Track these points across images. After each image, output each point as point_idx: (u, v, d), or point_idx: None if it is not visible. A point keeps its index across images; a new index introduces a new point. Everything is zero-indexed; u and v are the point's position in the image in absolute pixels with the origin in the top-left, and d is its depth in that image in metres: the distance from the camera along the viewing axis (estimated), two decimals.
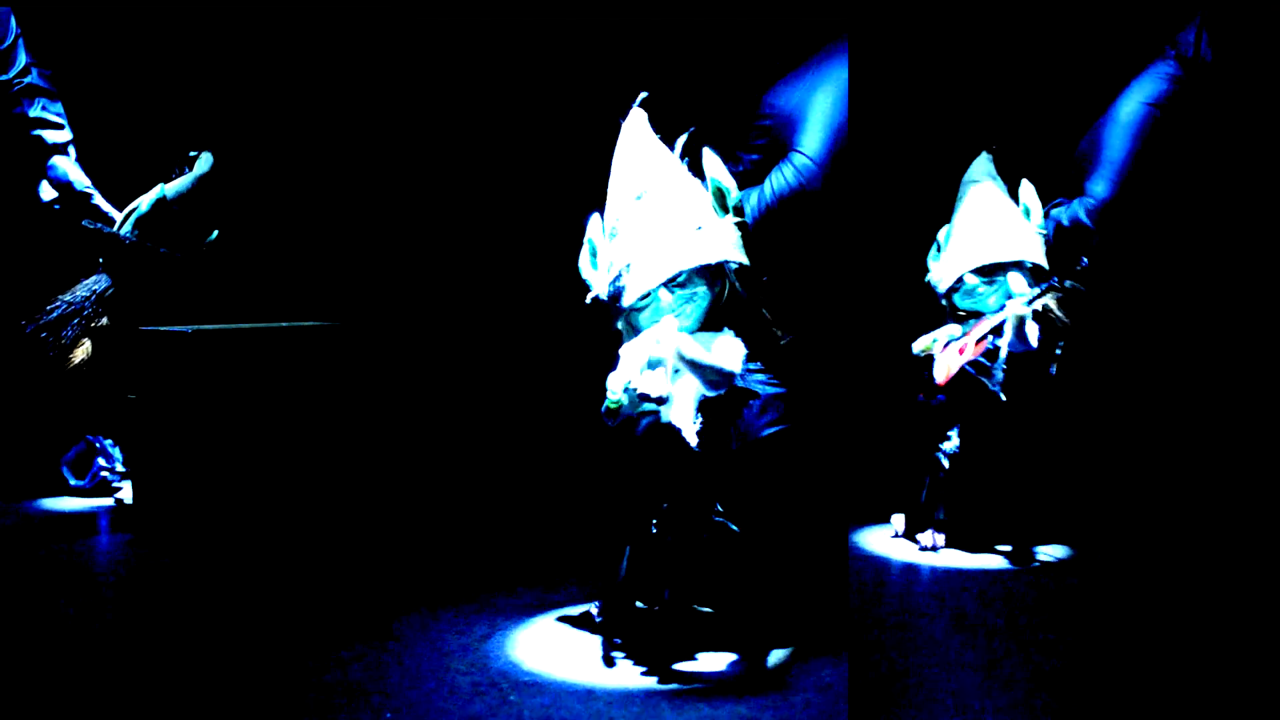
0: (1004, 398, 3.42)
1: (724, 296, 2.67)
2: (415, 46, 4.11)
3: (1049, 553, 3.46)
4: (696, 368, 2.55)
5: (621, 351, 2.61)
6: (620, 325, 2.69)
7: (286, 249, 4.20)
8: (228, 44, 4.11)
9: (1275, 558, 3.27)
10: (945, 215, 3.62)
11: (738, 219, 2.66)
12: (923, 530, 3.51)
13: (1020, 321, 3.37)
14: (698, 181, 2.69)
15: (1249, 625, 2.85)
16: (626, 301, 2.62)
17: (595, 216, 2.74)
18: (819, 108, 3.26)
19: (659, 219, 2.63)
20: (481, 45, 4.06)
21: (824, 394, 3.30)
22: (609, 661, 2.57)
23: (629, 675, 2.52)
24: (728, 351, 2.60)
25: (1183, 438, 3.75)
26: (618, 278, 2.64)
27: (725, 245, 2.61)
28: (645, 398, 2.51)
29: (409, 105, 4.15)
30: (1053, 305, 3.40)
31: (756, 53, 3.42)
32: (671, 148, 2.77)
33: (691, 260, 2.59)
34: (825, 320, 3.32)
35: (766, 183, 3.27)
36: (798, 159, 3.25)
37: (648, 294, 2.60)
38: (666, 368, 2.54)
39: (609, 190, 2.74)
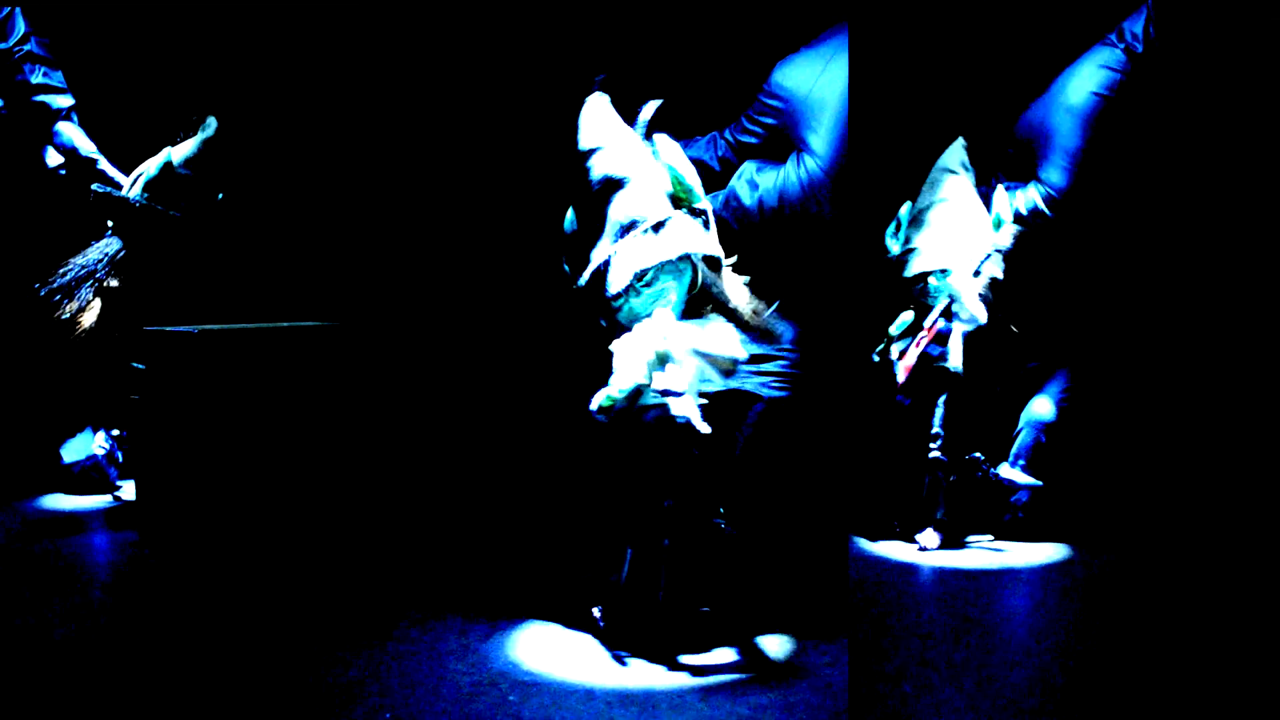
0: (960, 371, 3.48)
1: (698, 284, 2.71)
2: (414, 44, 4.10)
3: (1050, 553, 3.47)
4: (708, 359, 2.58)
5: (615, 348, 2.62)
6: (603, 320, 2.71)
7: (286, 248, 4.19)
8: (230, 20, 4.09)
9: (1275, 558, 3.27)
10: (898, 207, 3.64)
11: (699, 207, 2.67)
12: (921, 530, 3.52)
13: (956, 296, 3.42)
14: (660, 166, 2.70)
15: (1249, 624, 2.85)
16: (612, 290, 2.64)
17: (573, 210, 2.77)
18: (832, 106, 3.23)
19: (626, 213, 2.65)
20: (481, 39, 4.06)
21: (825, 395, 3.30)
22: (620, 661, 2.58)
23: (629, 675, 2.52)
24: (728, 338, 2.63)
25: (1183, 435, 3.75)
26: (604, 267, 2.66)
27: (684, 239, 2.63)
28: (668, 393, 2.54)
29: (409, 104, 4.15)
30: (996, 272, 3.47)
31: (766, 22, 3.40)
32: (633, 124, 2.79)
33: (650, 259, 2.61)
34: (823, 321, 3.32)
35: (774, 179, 3.24)
36: (810, 164, 3.22)
37: (620, 291, 2.62)
38: (680, 361, 2.56)
39: (585, 180, 2.75)
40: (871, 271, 3.76)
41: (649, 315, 2.64)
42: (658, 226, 2.62)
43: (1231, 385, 3.71)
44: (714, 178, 3.38)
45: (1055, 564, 3.38)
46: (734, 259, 2.77)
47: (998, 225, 3.52)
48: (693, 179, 2.69)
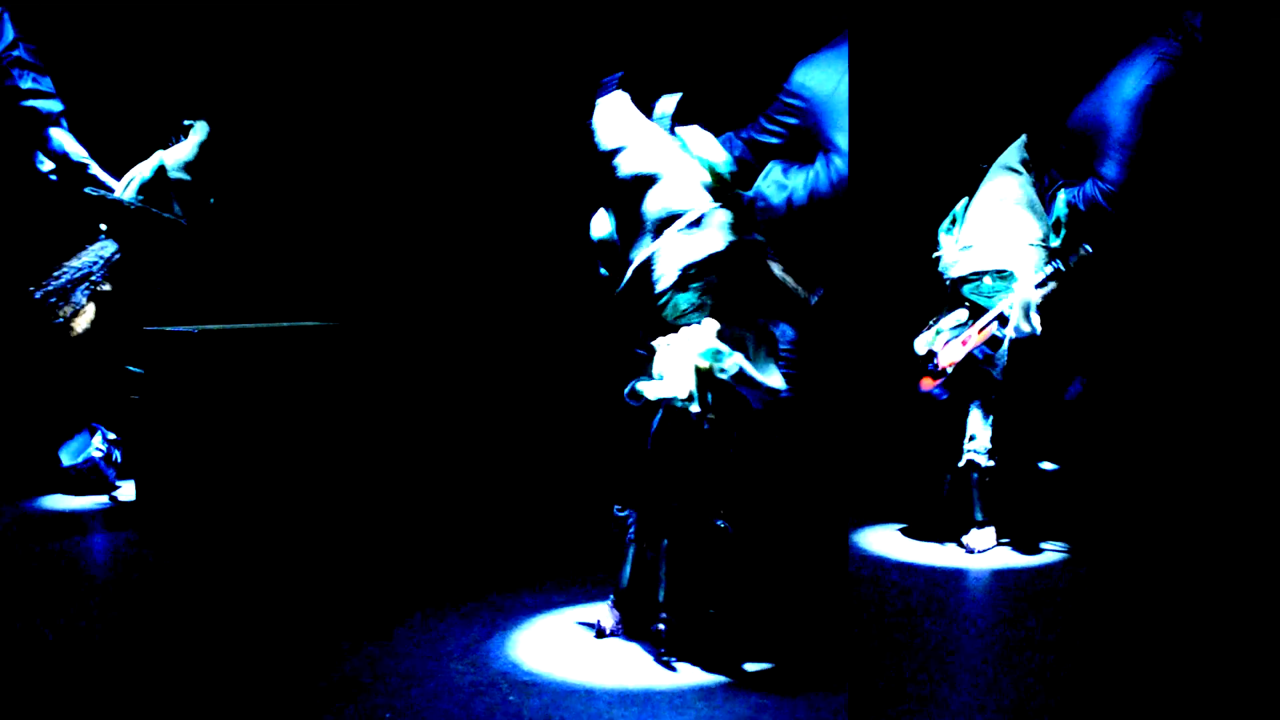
0: (1000, 378, 3.47)
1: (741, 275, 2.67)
2: (415, 43, 4.11)
3: (1054, 549, 3.47)
4: (749, 383, 2.56)
5: (658, 346, 2.59)
6: (643, 329, 2.68)
7: (286, 248, 4.20)
8: (225, 28, 4.10)
9: (1275, 558, 3.27)
10: (951, 204, 3.62)
11: (734, 196, 2.65)
12: (966, 532, 3.49)
13: (1027, 307, 3.38)
14: (691, 160, 2.67)
15: (1249, 625, 2.85)
16: (658, 287, 2.60)
17: (601, 214, 2.73)
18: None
19: (664, 209, 2.62)
20: (483, 37, 4.06)
21: (826, 394, 3.30)
22: (669, 667, 2.57)
23: (629, 675, 2.52)
24: (770, 367, 2.61)
25: (1185, 435, 3.74)
26: (649, 271, 2.62)
27: (729, 230, 2.61)
28: (704, 416, 2.54)
29: (409, 105, 4.15)
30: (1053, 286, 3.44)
31: (780, 22, 3.38)
32: (650, 116, 2.76)
33: (697, 253, 2.58)
34: (830, 318, 3.32)
35: (804, 179, 3.24)
36: (839, 163, 3.21)
37: (665, 290, 2.60)
38: (720, 387, 2.55)
39: (615, 181, 2.72)
40: (879, 269, 3.76)
41: (693, 307, 2.61)
42: (699, 220, 2.61)
43: (1242, 380, 3.70)
44: None
45: (1055, 564, 3.38)
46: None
47: (1056, 229, 3.49)
48: (729, 166, 2.66)
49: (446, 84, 4.13)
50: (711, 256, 2.57)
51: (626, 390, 2.58)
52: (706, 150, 2.64)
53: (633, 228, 2.64)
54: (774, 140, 3.34)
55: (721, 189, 2.62)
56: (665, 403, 2.57)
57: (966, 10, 3.90)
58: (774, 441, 3.14)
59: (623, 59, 3.18)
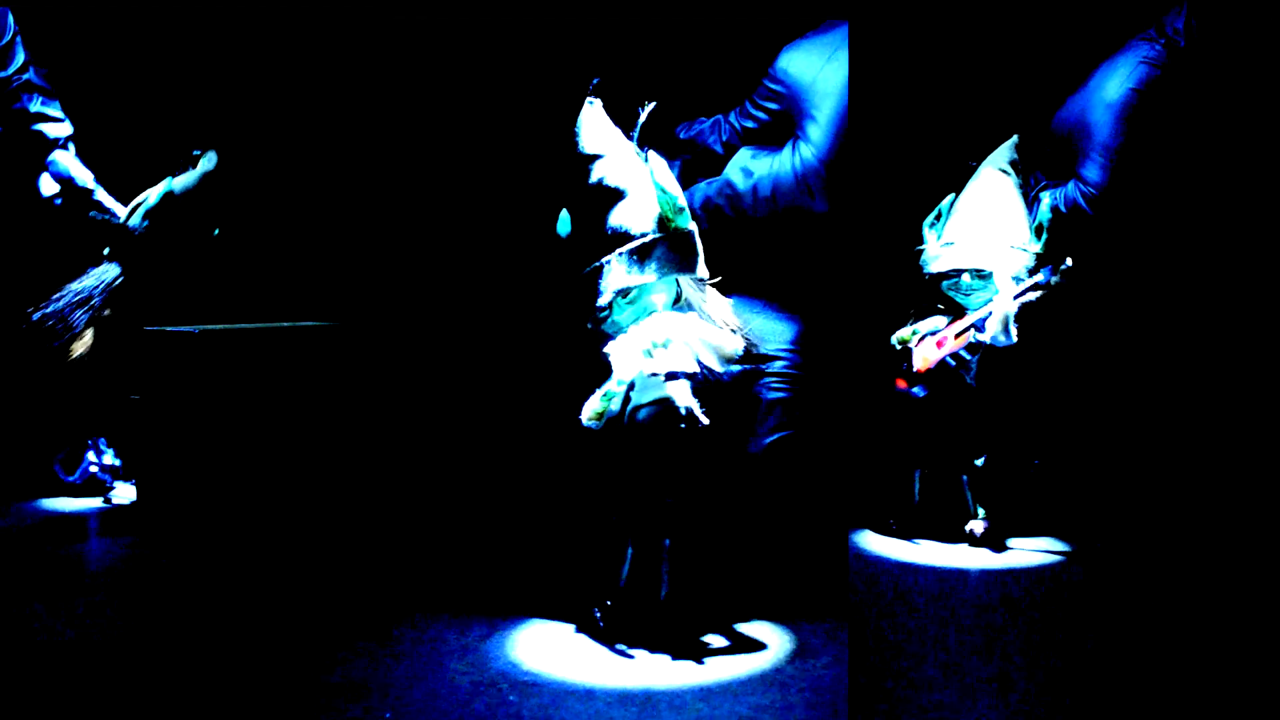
0: (974, 386, 3.48)
1: (682, 300, 2.74)
2: (414, 45, 4.11)
3: (1048, 549, 3.47)
4: (709, 344, 2.61)
5: (611, 349, 2.64)
6: (589, 324, 2.74)
7: (286, 249, 4.20)
8: (226, 40, 4.11)
9: (1275, 557, 3.27)
10: (938, 199, 3.62)
11: (679, 232, 2.69)
12: (965, 523, 3.51)
13: (1006, 319, 3.40)
14: (649, 181, 2.71)
15: (1249, 624, 2.85)
16: (599, 301, 2.68)
17: (563, 214, 2.78)
18: (834, 96, 3.21)
19: (620, 227, 2.68)
20: (481, 39, 4.06)
21: (826, 394, 3.30)
22: (625, 655, 2.58)
23: (629, 675, 2.52)
24: (726, 332, 2.66)
25: (1182, 433, 3.74)
26: (595, 276, 2.68)
27: (668, 263, 2.67)
28: (672, 375, 2.55)
29: (408, 105, 4.15)
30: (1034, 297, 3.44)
31: (771, 6, 3.39)
32: (632, 128, 2.79)
33: (633, 280, 2.64)
34: (822, 315, 3.32)
35: (769, 166, 3.24)
36: (806, 151, 3.21)
37: (604, 307, 2.66)
38: (681, 343, 2.59)
39: (585, 187, 2.76)
40: (875, 265, 3.76)
41: (632, 326, 2.67)
42: (646, 248, 2.64)
43: (1243, 384, 3.70)
44: (717, 161, 3.38)
45: (1055, 564, 3.38)
46: (718, 279, 2.79)
47: (1039, 233, 3.50)
48: (683, 201, 2.72)
49: (446, 83, 4.12)
50: (642, 287, 2.65)
51: (584, 419, 2.62)
52: (662, 180, 2.68)
53: (590, 235, 2.69)
54: (756, 125, 3.35)
55: (670, 220, 2.67)
56: (630, 402, 2.60)
57: (962, 8, 3.90)
58: (774, 441, 3.15)
59: (616, 56, 3.20)
